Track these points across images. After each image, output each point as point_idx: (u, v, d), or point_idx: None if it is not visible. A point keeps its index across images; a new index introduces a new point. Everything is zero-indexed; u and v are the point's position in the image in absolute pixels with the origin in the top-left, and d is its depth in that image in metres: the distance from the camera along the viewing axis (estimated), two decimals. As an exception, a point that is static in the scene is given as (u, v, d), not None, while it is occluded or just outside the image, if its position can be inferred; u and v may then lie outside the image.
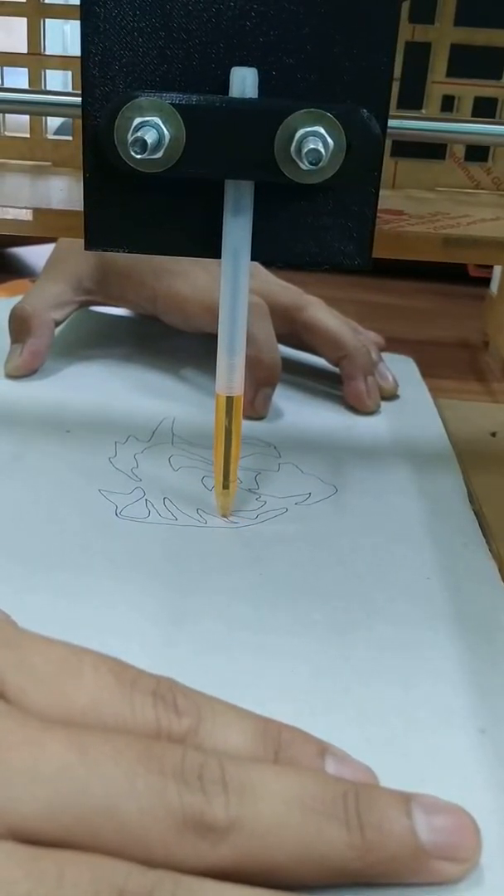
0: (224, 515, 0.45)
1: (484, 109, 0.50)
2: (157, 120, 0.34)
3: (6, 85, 0.48)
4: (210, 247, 0.38)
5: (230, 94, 0.35)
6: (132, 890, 0.22)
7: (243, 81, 0.34)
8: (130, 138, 0.34)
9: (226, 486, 0.44)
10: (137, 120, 0.34)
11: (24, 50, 0.49)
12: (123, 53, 0.35)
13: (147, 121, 0.34)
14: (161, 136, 0.34)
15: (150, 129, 0.34)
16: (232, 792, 0.24)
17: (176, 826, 0.23)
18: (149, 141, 0.34)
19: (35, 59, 0.49)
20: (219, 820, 0.23)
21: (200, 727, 0.26)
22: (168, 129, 0.34)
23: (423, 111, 0.51)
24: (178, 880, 0.22)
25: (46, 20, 0.49)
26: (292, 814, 0.24)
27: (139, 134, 0.34)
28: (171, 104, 0.34)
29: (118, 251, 0.38)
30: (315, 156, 0.34)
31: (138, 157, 0.34)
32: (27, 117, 0.50)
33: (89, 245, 0.38)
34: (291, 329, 0.62)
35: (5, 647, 0.27)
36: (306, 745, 0.28)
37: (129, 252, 0.38)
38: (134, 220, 0.38)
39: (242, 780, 0.24)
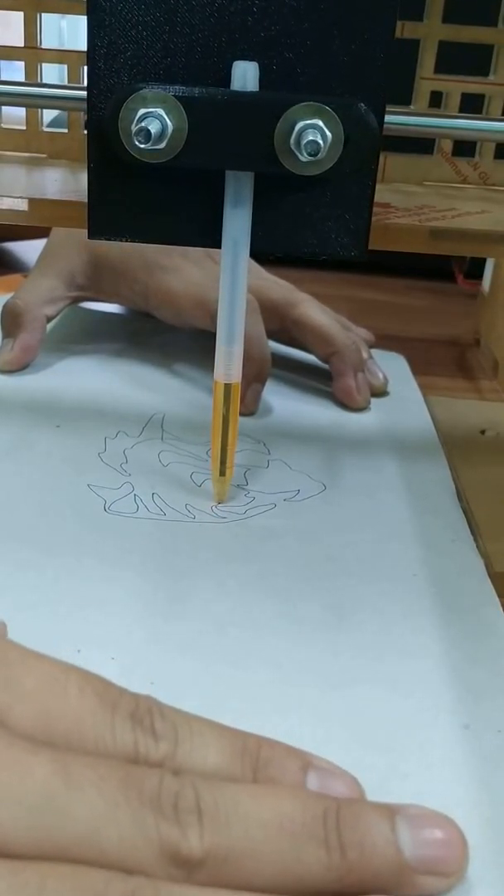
0: (220, 501, 0.46)
1: (471, 105, 0.52)
2: (161, 111, 0.36)
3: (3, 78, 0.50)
4: (210, 236, 0.40)
5: (231, 87, 0.37)
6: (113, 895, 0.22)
7: (244, 75, 0.37)
8: (135, 128, 0.36)
9: (222, 473, 0.46)
10: (141, 111, 0.36)
11: (20, 44, 0.51)
12: (128, 47, 0.37)
13: (151, 112, 0.36)
14: (164, 127, 0.36)
15: (154, 120, 0.36)
16: (207, 819, 0.24)
17: (154, 856, 0.23)
18: (153, 131, 0.36)
19: (32, 52, 0.50)
20: (194, 852, 0.24)
21: (177, 750, 0.27)
22: (171, 121, 0.36)
23: (412, 107, 0.52)
24: (158, 886, 0.23)
25: (43, 14, 0.50)
26: (269, 838, 0.24)
27: (143, 124, 0.36)
28: (175, 96, 0.36)
29: (121, 240, 0.40)
30: (314, 147, 0.36)
31: (142, 146, 0.36)
32: (23, 110, 0.52)
33: (92, 234, 0.40)
34: (282, 325, 0.63)
35: None
36: (287, 760, 0.28)
37: (131, 241, 0.40)
38: (136, 210, 0.40)
39: (218, 804, 0.25)
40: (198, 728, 0.28)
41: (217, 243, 0.40)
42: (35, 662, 0.28)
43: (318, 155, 0.36)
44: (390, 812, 0.26)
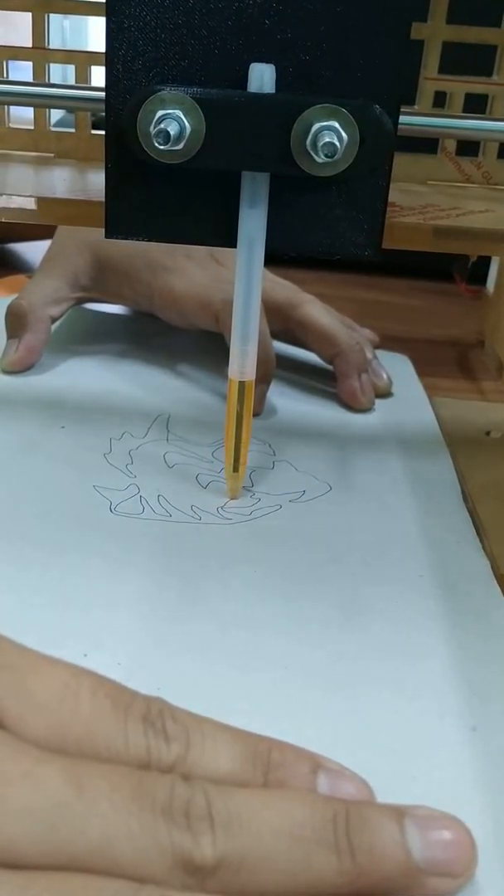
0: (233, 497, 0.47)
1: (475, 105, 0.53)
2: (179, 113, 0.37)
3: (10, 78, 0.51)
4: (226, 236, 0.41)
5: (249, 89, 0.38)
6: None
7: (261, 77, 0.37)
8: (154, 130, 0.37)
9: (236, 469, 0.46)
10: (160, 112, 0.37)
11: (24, 45, 0.51)
12: (147, 49, 0.38)
13: (169, 113, 0.37)
14: (182, 129, 0.37)
15: (173, 122, 0.37)
16: (218, 827, 0.24)
17: (166, 865, 0.24)
18: (171, 133, 0.37)
19: (40, 52, 0.51)
20: (206, 859, 0.24)
21: (189, 754, 0.27)
22: (189, 122, 0.37)
23: (416, 106, 0.53)
24: (170, 895, 0.23)
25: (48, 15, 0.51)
26: (280, 844, 0.25)
27: (162, 126, 0.37)
28: (192, 97, 0.37)
29: (137, 239, 0.41)
30: (330, 149, 0.37)
31: (161, 148, 0.37)
32: (31, 110, 0.52)
33: (109, 233, 0.41)
34: (286, 326, 0.64)
35: (4, 671, 0.28)
36: (297, 763, 0.28)
37: (147, 240, 0.41)
38: (153, 209, 0.41)
39: (230, 811, 0.25)
40: (209, 731, 0.28)
41: (232, 243, 0.40)
42: (47, 668, 0.28)
43: (335, 156, 0.37)
44: (399, 814, 0.26)
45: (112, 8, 0.37)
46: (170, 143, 0.37)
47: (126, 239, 0.41)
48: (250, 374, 0.44)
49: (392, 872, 0.25)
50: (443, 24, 0.52)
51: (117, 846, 0.24)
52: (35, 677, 0.28)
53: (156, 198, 0.40)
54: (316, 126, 0.37)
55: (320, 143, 0.37)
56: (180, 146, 0.37)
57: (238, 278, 0.41)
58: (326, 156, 0.37)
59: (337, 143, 0.37)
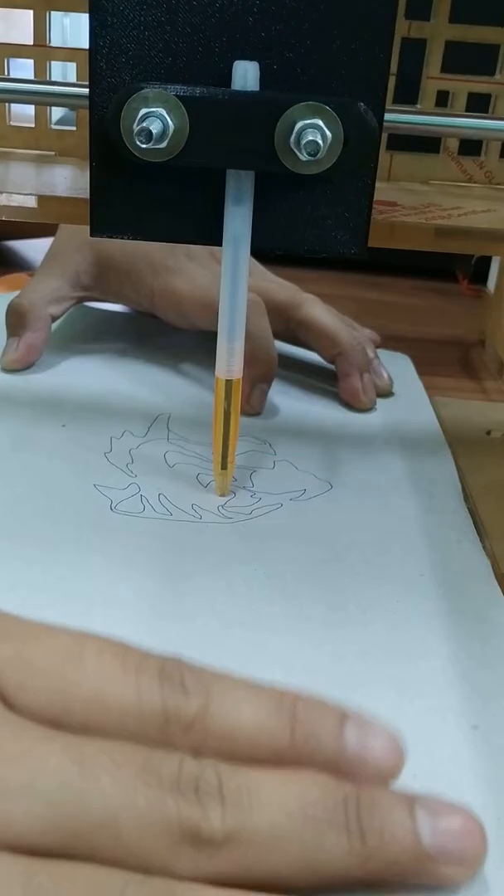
0: (222, 495, 0.47)
1: (477, 104, 0.53)
2: (162, 111, 0.37)
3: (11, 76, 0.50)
4: (211, 234, 0.40)
5: (232, 87, 0.37)
6: None
7: (245, 74, 0.37)
8: (136, 128, 0.36)
9: (224, 467, 0.46)
10: (143, 111, 0.37)
11: (25, 42, 0.51)
12: (130, 46, 0.37)
13: (152, 111, 0.37)
14: (165, 127, 0.37)
15: (155, 120, 0.36)
16: (229, 802, 0.24)
17: (173, 839, 0.23)
18: (154, 131, 0.36)
19: (42, 50, 0.51)
20: (215, 832, 0.24)
21: (210, 706, 0.26)
22: (172, 120, 0.37)
23: (419, 106, 0.53)
24: (175, 888, 0.23)
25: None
26: (291, 823, 0.24)
27: (145, 124, 0.36)
28: (176, 95, 0.37)
29: (122, 237, 0.40)
30: (313, 147, 0.36)
31: (143, 146, 0.37)
32: (32, 108, 0.52)
33: (94, 231, 0.40)
34: (287, 326, 0.63)
35: (3, 640, 0.27)
36: (324, 717, 0.27)
37: (132, 238, 0.41)
38: (138, 208, 0.40)
39: (241, 788, 0.25)
40: (231, 685, 0.27)
41: (218, 241, 0.40)
42: (47, 635, 0.28)
43: (318, 154, 0.37)
44: (410, 801, 0.26)
45: (95, 4, 0.37)
46: (152, 142, 0.36)
47: (111, 238, 0.41)
48: (237, 373, 0.44)
49: (401, 857, 0.25)
50: (445, 23, 0.51)
51: (121, 821, 0.23)
52: (35, 644, 0.27)
53: (141, 196, 0.40)
54: (300, 124, 0.37)
55: (304, 142, 0.37)
56: (164, 144, 0.37)
57: (224, 276, 0.41)
58: (310, 154, 0.37)
59: (320, 142, 0.36)
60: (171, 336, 0.67)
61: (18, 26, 0.52)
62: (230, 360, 0.43)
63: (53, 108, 0.53)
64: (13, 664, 0.26)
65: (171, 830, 0.23)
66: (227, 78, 0.37)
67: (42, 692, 0.26)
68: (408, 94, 0.52)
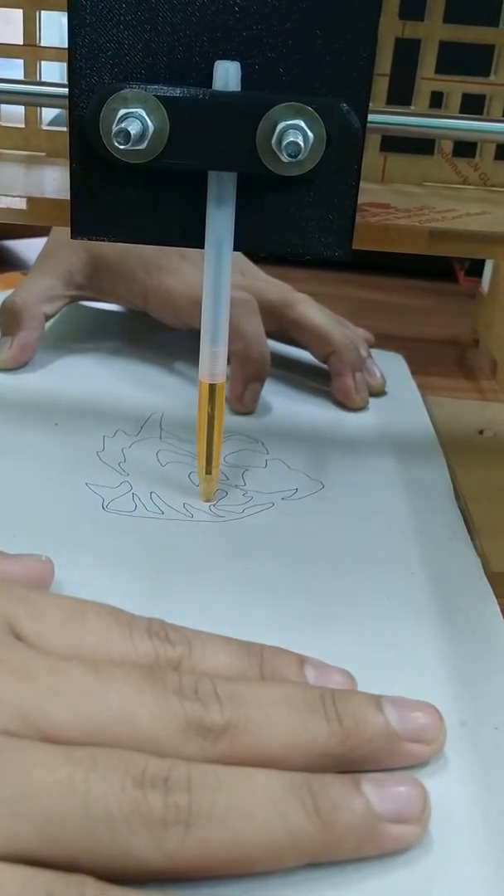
0: (207, 500, 0.46)
1: (472, 106, 0.51)
2: (142, 111, 0.36)
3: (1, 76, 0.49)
4: (194, 236, 0.39)
5: (213, 87, 0.36)
6: (152, 771, 0.26)
7: (226, 74, 0.36)
8: (115, 129, 0.35)
9: (208, 472, 0.45)
10: (122, 111, 0.36)
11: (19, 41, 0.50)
12: (109, 46, 0.36)
13: (131, 112, 0.36)
14: (145, 128, 0.36)
15: (135, 121, 0.35)
16: (225, 700, 0.28)
17: (181, 729, 0.27)
18: (132, 132, 0.35)
19: (31, 50, 0.50)
20: (216, 721, 0.28)
21: (192, 652, 0.31)
22: (152, 121, 0.36)
23: (413, 107, 0.52)
24: (191, 764, 0.26)
25: (43, 12, 0.50)
26: (278, 712, 0.29)
27: (123, 125, 0.35)
28: (156, 96, 0.36)
29: (103, 240, 0.39)
30: (294, 148, 0.35)
31: (122, 147, 0.35)
32: (22, 108, 0.51)
33: (75, 234, 0.40)
34: (280, 325, 0.63)
35: (18, 601, 0.31)
36: (287, 657, 0.32)
37: (114, 241, 0.40)
38: (119, 210, 0.39)
39: (233, 691, 0.29)
40: (207, 637, 0.32)
41: (200, 243, 0.39)
42: (53, 599, 0.33)
43: (299, 156, 0.36)
44: (377, 697, 0.31)
45: (73, 3, 0.36)
46: (131, 143, 0.35)
47: (92, 240, 0.40)
48: (221, 377, 0.43)
49: (375, 735, 0.29)
50: (440, 24, 0.50)
51: (136, 715, 0.27)
52: (45, 603, 0.32)
53: (122, 198, 0.39)
54: (281, 125, 0.36)
55: (285, 143, 0.36)
56: (143, 145, 0.36)
57: (206, 279, 0.40)
58: (290, 155, 0.36)
59: (301, 143, 0.35)
60: (165, 335, 0.66)
61: (18, 27, 0.51)
62: (213, 363, 0.43)
63: (46, 109, 0.52)
64: (30, 617, 0.31)
65: (178, 722, 0.27)
66: (208, 78, 0.36)
67: (56, 639, 0.30)
68: (402, 96, 0.51)
